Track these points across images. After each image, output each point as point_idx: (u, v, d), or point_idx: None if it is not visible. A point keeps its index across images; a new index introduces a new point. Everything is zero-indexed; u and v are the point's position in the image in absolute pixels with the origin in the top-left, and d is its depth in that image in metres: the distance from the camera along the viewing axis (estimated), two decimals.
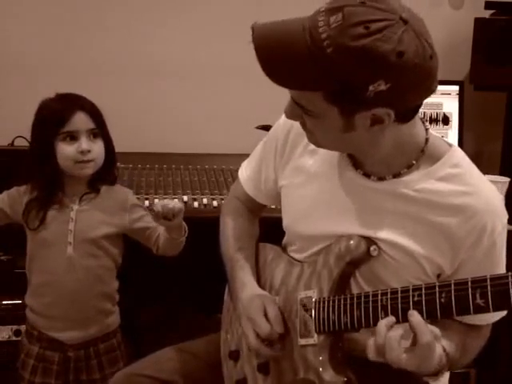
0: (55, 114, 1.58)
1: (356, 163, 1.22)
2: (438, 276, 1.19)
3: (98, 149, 1.60)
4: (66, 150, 1.57)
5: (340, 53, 0.96)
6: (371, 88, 0.98)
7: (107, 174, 1.67)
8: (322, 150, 1.25)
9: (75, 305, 1.62)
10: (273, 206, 1.49)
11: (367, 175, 1.20)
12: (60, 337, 1.64)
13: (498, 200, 1.18)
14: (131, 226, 1.67)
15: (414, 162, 1.16)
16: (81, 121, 1.58)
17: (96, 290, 1.64)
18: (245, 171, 1.48)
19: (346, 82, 0.99)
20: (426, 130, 1.18)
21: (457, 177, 1.15)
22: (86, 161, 1.58)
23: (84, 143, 1.57)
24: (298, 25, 1.01)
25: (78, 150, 1.57)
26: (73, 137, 1.57)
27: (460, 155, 1.19)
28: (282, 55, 1.02)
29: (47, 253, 1.62)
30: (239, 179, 1.49)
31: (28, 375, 1.66)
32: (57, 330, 1.64)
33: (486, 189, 1.17)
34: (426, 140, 1.17)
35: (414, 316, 1.01)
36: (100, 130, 1.61)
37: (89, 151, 1.57)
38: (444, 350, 1.07)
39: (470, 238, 1.14)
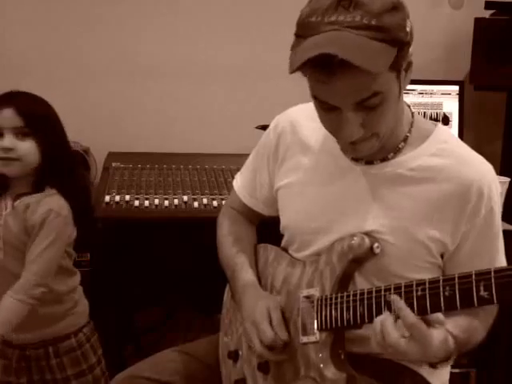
0: None
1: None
2: (442, 256, 1.20)
3: (24, 148, 1.54)
4: None
5: (382, 16, 1.02)
6: (408, 29, 1.06)
7: (50, 177, 1.59)
8: (314, 145, 1.29)
9: None
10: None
11: (362, 160, 1.22)
12: (13, 339, 1.60)
13: (490, 168, 1.21)
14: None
15: (403, 143, 1.20)
16: (6, 118, 1.52)
17: None
18: (240, 181, 1.48)
19: (397, 39, 1.04)
20: (409, 106, 1.24)
21: (447, 151, 1.19)
22: (8, 158, 1.53)
23: (6, 140, 1.53)
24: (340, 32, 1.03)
25: (0, 146, 1.53)
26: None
27: (447, 132, 1.24)
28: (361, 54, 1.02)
29: None
30: (234, 190, 1.49)
31: None
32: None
33: (477, 159, 1.21)
34: (412, 122, 1.22)
35: (396, 301, 1.03)
36: (31, 130, 1.54)
37: (10, 149, 1.52)
38: (451, 334, 1.07)
39: (468, 208, 1.16)
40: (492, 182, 1.18)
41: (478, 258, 1.18)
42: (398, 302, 1.03)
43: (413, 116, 1.23)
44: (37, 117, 1.55)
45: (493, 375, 2.18)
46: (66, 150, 1.63)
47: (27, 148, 1.54)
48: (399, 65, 1.07)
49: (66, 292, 1.65)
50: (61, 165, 1.60)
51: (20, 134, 1.54)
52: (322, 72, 1.03)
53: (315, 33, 1.04)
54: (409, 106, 1.24)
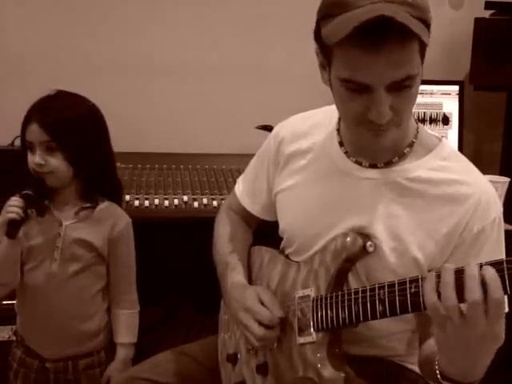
0: (23, 120, 1.54)
1: (348, 152, 1.24)
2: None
3: (54, 162, 1.51)
4: (28, 159, 1.54)
5: None
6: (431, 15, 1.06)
7: (98, 186, 1.60)
8: (314, 150, 1.29)
9: (52, 324, 1.58)
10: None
11: (366, 163, 1.22)
12: (37, 349, 1.61)
13: (488, 186, 1.19)
14: (109, 259, 1.63)
15: (408, 149, 1.20)
16: (34, 133, 1.51)
17: (78, 310, 1.60)
18: (241, 185, 1.49)
19: (428, 20, 1.05)
20: (415, 120, 1.23)
21: (447, 168, 1.18)
22: (42, 172, 1.52)
23: (37, 156, 1.51)
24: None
25: (33, 161, 1.52)
26: (31, 147, 1.53)
27: (449, 149, 1.23)
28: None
29: (33, 264, 1.58)
30: (235, 193, 1.50)
31: (12, 378, 1.64)
32: (34, 344, 1.62)
33: (476, 177, 1.20)
34: (417, 128, 1.22)
35: (489, 270, 0.93)
36: (59, 144, 1.51)
37: (41, 164, 1.51)
38: None
39: (461, 225, 1.15)
40: (490, 200, 1.16)
41: None
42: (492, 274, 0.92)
43: (417, 123, 1.23)
44: (62, 130, 1.51)
45: (493, 375, 2.17)
46: (100, 157, 1.59)
47: (56, 162, 1.52)
48: (425, 51, 1.07)
49: (106, 308, 1.66)
50: (98, 172, 1.59)
51: (47, 148, 1.51)
52: (367, 42, 1.00)
53: (355, 7, 1.01)
54: (415, 120, 1.24)
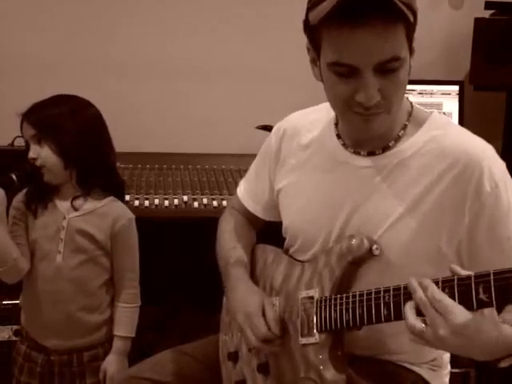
0: (20, 125, 1.62)
1: (346, 144, 1.24)
2: (457, 253, 1.17)
3: (44, 153, 1.58)
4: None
5: None
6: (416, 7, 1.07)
7: (93, 179, 1.63)
8: (313, 145, 1.29)
9: (57, 315, 1.62)
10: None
11: (365, 152, 1.22)
12: (42, 342, 1.64)
13: (488, 147, 1.18)
14: (112, 253, 1.66)
15: (403, 131, 1.20)
16: (25, 130, 1.60)
17: (82, 302, 1.63)
18: (243, 188, 1.49)
19: (413, 7, 1.06)
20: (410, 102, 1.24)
21: (441, 136, 1.18)
22: (39, 168, 1.58)
23: (31, 151, 1.59)
24: None
25: (28, 157, 1.59)
26: (28, 146, 1.60)
27: (440, 118, 1.23)
28: None
29: (38, 256, 1.62)
30: (237, 196, 1.50)
31: (16, 373, 1.67)
32: (39, 336, 1.64)
33: (474, 138, 1.19)
34: (410, 111, 1.23)
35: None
36: (42, 135, 1.58)
37: (34, 158, 1.58)
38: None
39: (471, 186, 1.13)
40: (492, 160, 1.15)
41: (497, 242, 1.13)
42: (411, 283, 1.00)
43: (412, 106, 1.24)
44: (44, 123, 1.58)
45: (493, 375, 2.17)
46: (89, 151, 1.61)
47: (45, 153, 1.58)
48: (412, 38, 1.08)
49: (110, 301, 1.69)
50: (90, 165, 1.62)
51: (36, 141, 1.58)
52: (350, 18, 1.01)
53: None
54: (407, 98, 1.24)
